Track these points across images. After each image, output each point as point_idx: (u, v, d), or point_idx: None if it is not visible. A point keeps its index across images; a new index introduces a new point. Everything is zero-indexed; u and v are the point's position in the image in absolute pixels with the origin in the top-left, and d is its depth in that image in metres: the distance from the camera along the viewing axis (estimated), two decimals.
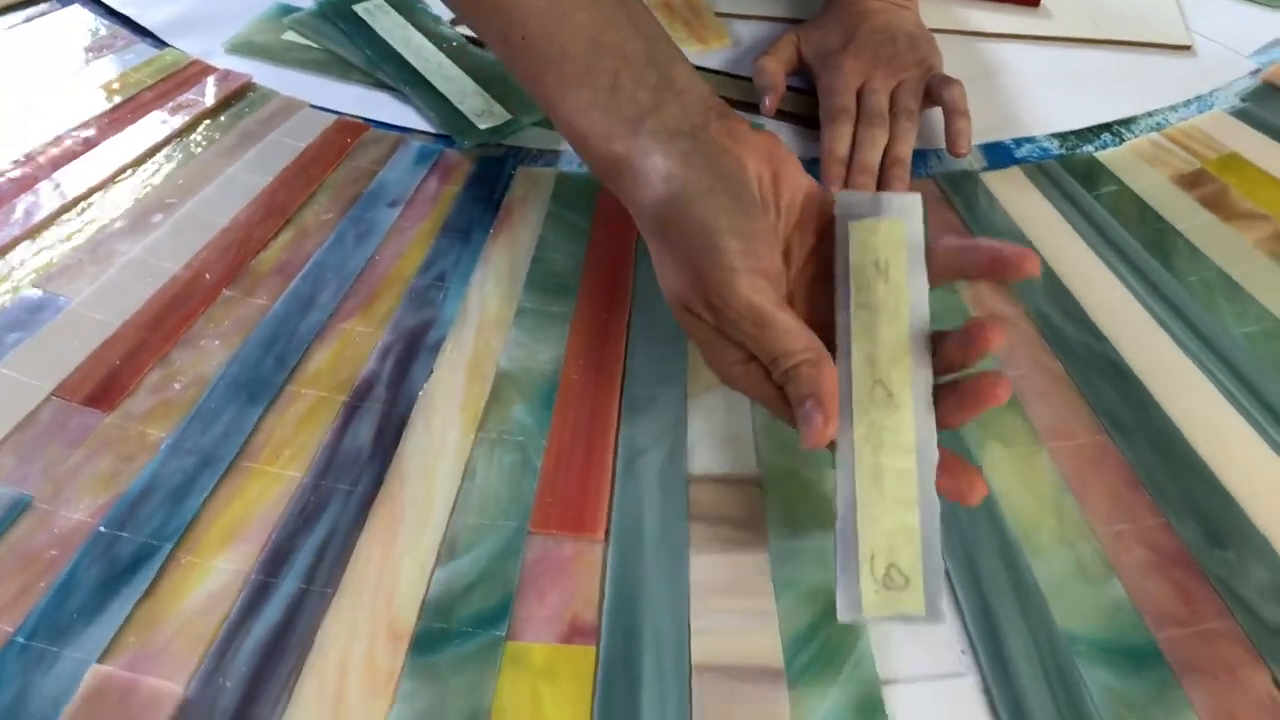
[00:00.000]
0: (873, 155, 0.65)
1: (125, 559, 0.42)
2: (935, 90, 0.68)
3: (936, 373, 0.42)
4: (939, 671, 0.40)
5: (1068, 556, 0.43)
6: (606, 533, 0.44)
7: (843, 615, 0.37)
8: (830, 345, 0.42)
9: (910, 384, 0.41)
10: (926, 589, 0.37)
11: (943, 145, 0.66)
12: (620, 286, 0.56)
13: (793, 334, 0.41)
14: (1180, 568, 0.43)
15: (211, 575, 0.42)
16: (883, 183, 0.64)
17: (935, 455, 0.40)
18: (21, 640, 0.39)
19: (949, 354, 0.41)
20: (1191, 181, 0.64)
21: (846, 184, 0.64)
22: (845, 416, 0.41)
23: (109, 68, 0.73)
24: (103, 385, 0.49)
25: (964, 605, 0.41)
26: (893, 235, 0.44)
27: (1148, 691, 0.38)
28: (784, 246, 0.45)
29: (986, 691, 0.39)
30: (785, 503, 0.45)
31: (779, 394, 0.43)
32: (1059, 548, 0.43)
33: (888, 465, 0.40)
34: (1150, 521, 0.44)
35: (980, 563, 0.43)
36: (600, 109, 0.47)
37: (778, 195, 0.45)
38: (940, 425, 0.41)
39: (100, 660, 0.38)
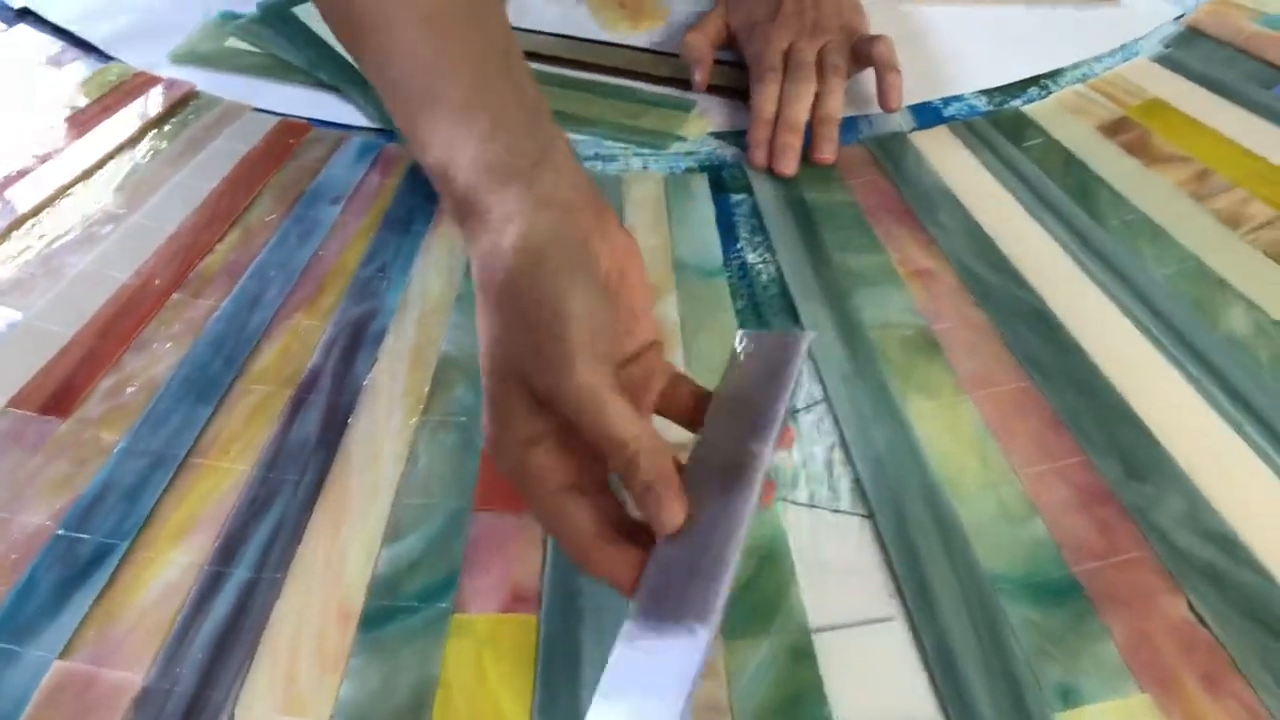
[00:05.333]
0: (799, 111, 0.66)
1: (83, 559, 0.43)
2: (863, 49, 0.69)
3: None
4: (868, 617, 0.41)
5: (991, 499, 0.45)
6: None
7: None
8: None
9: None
10: None
11: (871, 110, 0.68)
12: None
13: (629, 419, 0.37)
14: (1100, 503, 0.44)
15: (167, 569, 0.43)
16: (812, 142, 0.65)
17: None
18: None
19: None
20: (1115, 129, 0.66)
21: (773, 142, 0.65)
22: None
23: (56, 84, 0.74)
24: (57, 394, 0.51)
25: (891, 552, 0.43)
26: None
27: (1067, 622, 0.40)
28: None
29: (914, 633, 0.40)
30: None
31: (554, 496, 0.39)
32: (982, 491, 0.45)
33: None
34: (1071, 460, 0.46)
35: (907, 510, 0.44)
36: (470, 153, 0.43)
37: (618, 295, 0.42)
38: None
39: (61, 656, 0.40)
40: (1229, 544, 0.42)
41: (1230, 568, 0.41)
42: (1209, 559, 0.41)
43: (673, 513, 0.36)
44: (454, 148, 0.43)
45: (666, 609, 0.34)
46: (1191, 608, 0.40)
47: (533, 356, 0.38)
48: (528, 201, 0.41)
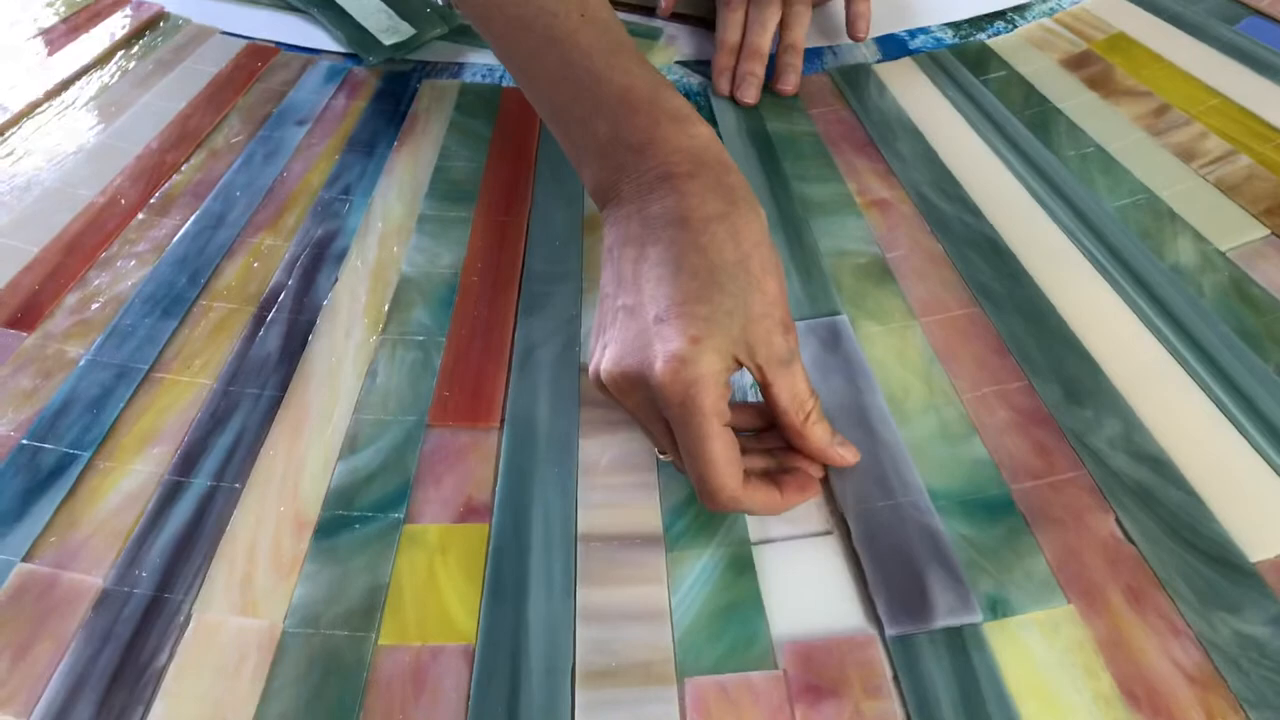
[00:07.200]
0: (763, 38, 0.66)
1: (47, 468, 0.44)
2: None
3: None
4: (806, 531, 0.43)
5: (932, 419, 0.46)
6: (502, 422, 0.47)
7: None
8: None
9: None
10: None
11: (837, 40, 0.68)
12: (520, 190, 0.58)
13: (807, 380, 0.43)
14: (1039, 426, 0.45)
15: (128, 477, 0.44)
16: (775, 71, 0.65)
17: None
18: None
19: None
20: (1078, 63, 0.66)
21: (736, 70, 0.65)
22: None
23: (22, 4, 0.74)
24: (23, 308, 0.51)
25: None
26: None
27: (1000, 538, 0.41)
28: None
29: (849, 547, 0.42)
30: None
31: None
32: (925, 412, 0.46)
33: None
34: (1014, 384, 0.47)
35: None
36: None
37: None
38: None
39: (24, 559, 0.41)
40: (1159, 464, 0.43)
41: (1159, 487, 0.42)
42: (1140, 479, 0.43)
43: (854, 450, 0.44)
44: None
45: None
46: (1120, 524, 0.41)
47: (744, 307, 0.41)
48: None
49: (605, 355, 0.42)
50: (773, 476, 0.42)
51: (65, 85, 0.66)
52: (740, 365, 0.41)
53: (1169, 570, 0.39)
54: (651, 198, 0.43)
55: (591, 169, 0.47)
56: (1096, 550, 0.41)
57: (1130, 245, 0.53)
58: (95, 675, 0.37)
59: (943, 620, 0.39)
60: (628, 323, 0.42)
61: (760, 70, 0.65)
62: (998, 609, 0.39)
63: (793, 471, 0.43)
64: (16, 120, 0.63)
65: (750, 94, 0.64)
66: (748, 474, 0.41)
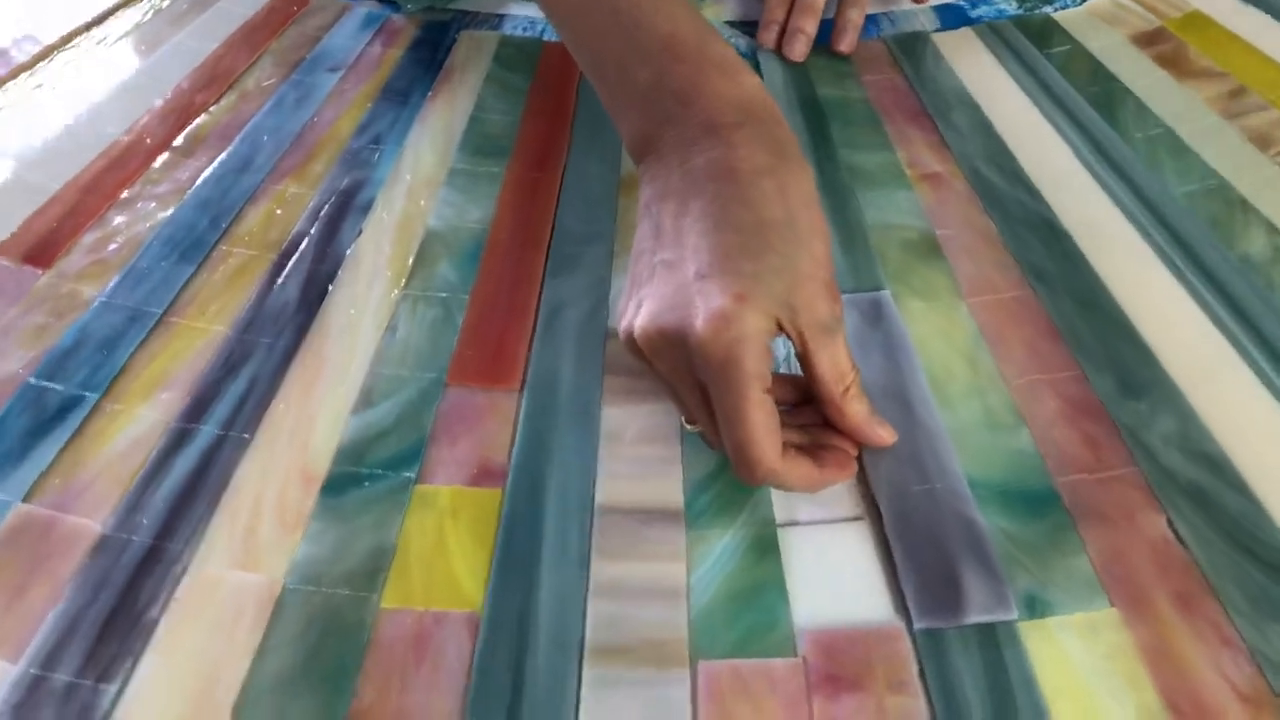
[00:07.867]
0: None
1: (53, 407, 0.43)
2: None
3: None
4: (835, 516, 0.40)
5: (977, 405, 0.43)
6: (523, 384, 0.45)
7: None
8: None
9: None
10: None
11: (895, 6, 0.65)
12: (555, 146, 0.56)
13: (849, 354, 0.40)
14: (1090, 417, 0.43)
15: (135, 422, 0.43)
16: (835, 27, 0.63)
17: None
18: None
19: None
20: (1149, 40, 0.63)
21: (786, 24, 0.63)
22: None
23: None
24: (40, 245, 0.50)
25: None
26: None
27: (1042, 533, 0.39)
28: None
29: (881, 534, 0.39)
30: None
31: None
32: (969, 397, 0.44)
33: None
34: (1064, 373, 0.44)
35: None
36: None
37: None
38: None
39: (25, 500, 0.40)
40: (1217, 465, 0.40)
41: (1216, 488, 0.39)
42: (1195, 479, 0.40)
43: (891, 430, 0.41)
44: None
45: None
46: (1172, 526, 0.39)
47: (791, 266, 0.38)
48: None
49: (641, 312, 0.40)
50: (809, 452, 0.40)
51: (98, 20, 0.65)
52: (781, 329, 0.38)
53: (1223, 577, 0.37)
54: (695, 149, 0.41)
55: (630, 119, 0.45)
56: (1145, 552, 0.38)
57: (1197, 233, 0.50)
58: (87, 623, 0.36)
59: (975, 616, 0.36)
60: (666, 278, 0.39)
61: (812, 28, 0.62)
62: (1035, 608, 0.36)
63: (829, 449, 0.41)
64: (47, 54, 0.61)
65: (798, 50, 0.62)
66: (785, 446, 0.38)
